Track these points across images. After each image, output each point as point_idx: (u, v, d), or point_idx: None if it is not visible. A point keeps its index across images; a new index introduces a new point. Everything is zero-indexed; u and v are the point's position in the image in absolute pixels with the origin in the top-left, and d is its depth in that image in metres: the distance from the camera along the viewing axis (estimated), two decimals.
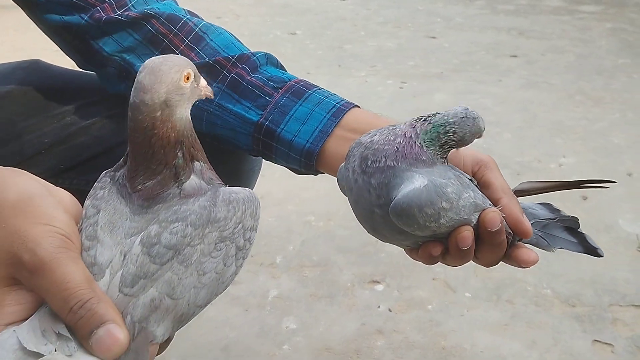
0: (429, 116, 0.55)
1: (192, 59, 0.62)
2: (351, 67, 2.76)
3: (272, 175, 1.55)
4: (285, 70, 0.74)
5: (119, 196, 0.49)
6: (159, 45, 0.71)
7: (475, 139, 0.56)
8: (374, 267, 1.37)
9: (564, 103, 2.32)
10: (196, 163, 0.51)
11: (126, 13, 0.70)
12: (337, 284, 1.32)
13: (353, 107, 0.68)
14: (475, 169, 0.61)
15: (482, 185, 0.60)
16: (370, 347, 1.15)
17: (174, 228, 0.47)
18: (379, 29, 3.39)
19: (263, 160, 0.86)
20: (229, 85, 0.69)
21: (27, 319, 0.45)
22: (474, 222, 0.56)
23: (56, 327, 0.43)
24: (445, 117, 0.54)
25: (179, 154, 0.49)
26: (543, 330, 1.19)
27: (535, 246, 0.61)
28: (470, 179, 0.59)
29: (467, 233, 0.55)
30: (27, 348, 0.42)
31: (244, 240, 0.51)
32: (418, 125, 0.54)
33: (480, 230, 0.56)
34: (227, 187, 0.52)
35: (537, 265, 1.51)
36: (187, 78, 0.49)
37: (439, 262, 0.60)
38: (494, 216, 0.55)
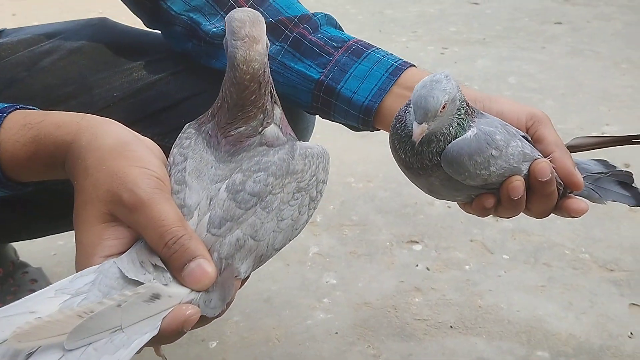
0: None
1: None
2: (392, 32, 2.74)
3: (312, 139, 1.57)
4: (343, 31, 0.76)
5: (205, 146, 0.53)
6: (224, 5, 0.74)
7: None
8: (413, 227, 1.40)
9: (609, 71, 2.27)
10: (276, 109, 0.54)
11: None
12: (376, 243, 1.36)
13: (410, 66, 0.70)
14: (529, 124, 0.63)
15: (536, 140, 0.62)
16: (408, 303, 1.19)
17: (257, 177, 0.51)
18: None
19: (315, 120, 0.89)
20: (291, 45, 0.72)
21: (123, 253, 0.49)
22: (525, 173, 0.58)
23: (153, 260, 0.47)
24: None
25: (268, 96, 0.53)
26: (580, 292, 1.20)
27: (587, 199, 0.63)
28: (523, 135, 0.61)
29: (518, 183, 0.57)
30: (128, 276, 0.46)
31: (317, 192, 0.55)
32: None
33: (531, 181, 0.58)
34: (302, 142, 0.56)
35: (576, 231, 1.50)
36: None
37: (486, 217, 0.63)
38: (544, 166, 0.57)
